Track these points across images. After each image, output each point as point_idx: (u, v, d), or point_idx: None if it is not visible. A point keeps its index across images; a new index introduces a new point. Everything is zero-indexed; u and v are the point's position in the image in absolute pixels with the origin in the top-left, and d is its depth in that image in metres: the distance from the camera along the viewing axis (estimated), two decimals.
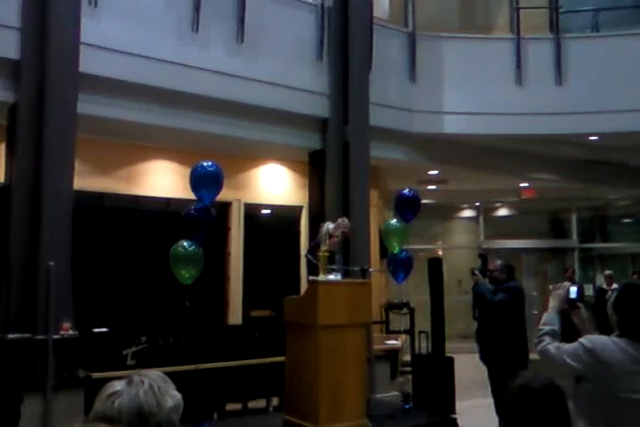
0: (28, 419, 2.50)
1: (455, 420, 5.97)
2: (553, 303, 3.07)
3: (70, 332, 5.71)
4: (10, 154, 5.99)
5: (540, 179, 10.95)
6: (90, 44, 6.12)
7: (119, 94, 6.49)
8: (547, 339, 2.91)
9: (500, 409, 4.82)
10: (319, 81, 7.91)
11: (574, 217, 13.87)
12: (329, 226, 5.58)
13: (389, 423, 5.61)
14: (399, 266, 6.91)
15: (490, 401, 6.08)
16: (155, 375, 1.70)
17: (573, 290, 3.10)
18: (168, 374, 1.75)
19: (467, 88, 8.82)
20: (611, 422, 2.65)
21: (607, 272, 10.90)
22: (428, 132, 8.75)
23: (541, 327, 2.98)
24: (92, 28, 6.17)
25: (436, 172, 10.34)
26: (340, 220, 5.72)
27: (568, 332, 3.02)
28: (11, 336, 5.49)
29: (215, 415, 6.17)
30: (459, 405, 6.43)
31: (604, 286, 10.67)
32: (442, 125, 8.78)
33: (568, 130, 8.80)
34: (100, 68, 6.20)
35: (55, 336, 5.60)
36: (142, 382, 1.64)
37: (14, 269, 5.66)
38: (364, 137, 7.97)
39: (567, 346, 2.82)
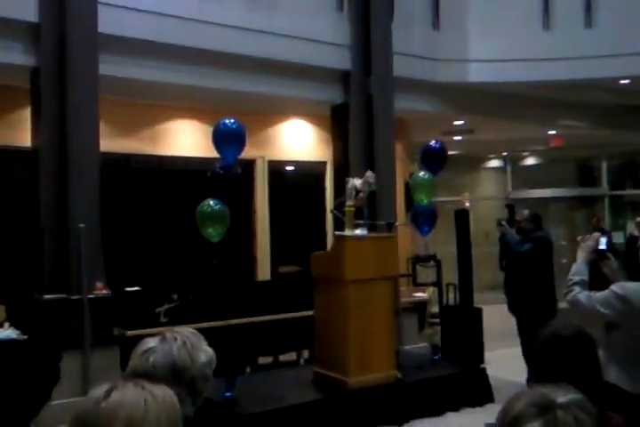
0: (67, 376, 2.58)
1: (484, 370, 6.04)
2: (582, 254, 3.06)
3: (104, 291, 5.85)
4: (35, 118, 6.01)
5: (569, 126, 10.70)
6: (107, 4, 6.04)
7: (139, 54, 6.43)
8: (576, 288, 2.91)
9: (528, 358, 4.85)
10: (340, 32, 7.71)
11: (604, 164, 13.60)
12: (355, 181, 5.55)
13: (419, 374, 5.69)
14: (423, 219, 6.87)
15: (518, 351, 6.13)
16: (187, 332, 1.74)
17: (603, 241, 3.08)
18: (200, 330, 1.79)
19: (492, 34, 8.51)
20: None
21: (638, 219, 10.74)
22: (453, 81, 8.55)
23: (571, 278, 2.98)
24: None
25: (461, 122, 10.15)
26: (367, 174, 5.67)
27: (597, 282, 3.00)
28: (47, 297, 5.64)
29: (248, 369, 6.32)
30: (487, 355, 6.48)
31: (635, 233, 10.54)
32: (467, 74, 8.55)
33: (598, 74, 8.50)
34: (118, 27, 6.13)
35: (89, 296, 5.74)
36: (175, 339, 1.68)
37: (45, 233, 5.77)
38: (388, 88, 7.80)
39: (598, 294, 2.81)
